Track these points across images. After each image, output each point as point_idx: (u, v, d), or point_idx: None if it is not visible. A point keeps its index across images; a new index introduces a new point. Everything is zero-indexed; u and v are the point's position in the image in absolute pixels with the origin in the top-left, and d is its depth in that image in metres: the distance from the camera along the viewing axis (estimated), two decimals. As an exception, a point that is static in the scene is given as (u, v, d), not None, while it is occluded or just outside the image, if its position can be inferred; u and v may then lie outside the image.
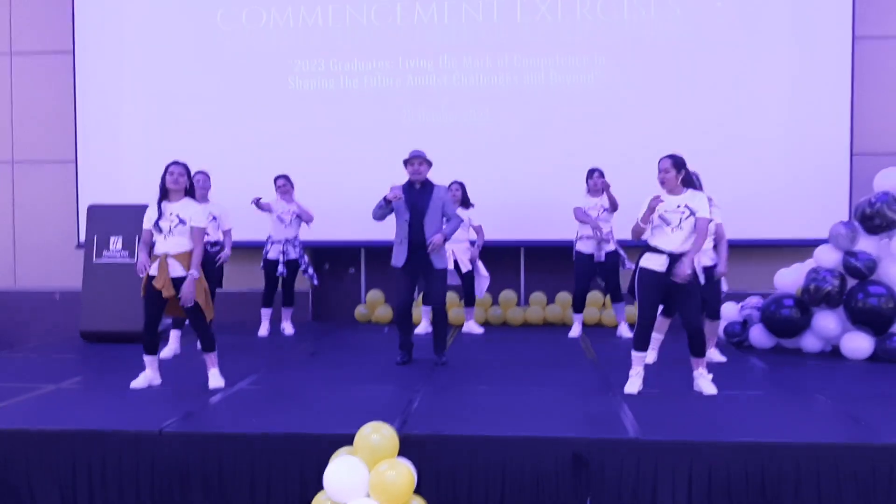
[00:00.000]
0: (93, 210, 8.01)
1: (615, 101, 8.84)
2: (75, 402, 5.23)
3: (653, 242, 5.26)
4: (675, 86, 8.78)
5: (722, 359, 6.50)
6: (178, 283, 5.38)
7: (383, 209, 6.29)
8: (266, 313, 8.14)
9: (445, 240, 6.32)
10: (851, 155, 8.67)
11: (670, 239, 5.20)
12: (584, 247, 7.78)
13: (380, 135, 8.96)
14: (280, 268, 7.88)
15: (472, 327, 8.26)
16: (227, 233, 7.19)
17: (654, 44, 8.80)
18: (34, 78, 9.73)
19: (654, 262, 5.23)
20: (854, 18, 8.61)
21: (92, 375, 6.14)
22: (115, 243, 7.79)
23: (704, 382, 5.35)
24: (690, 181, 5.36)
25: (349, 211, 8.65)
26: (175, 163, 5.50)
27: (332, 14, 9.15)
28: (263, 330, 8.11)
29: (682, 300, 5.27)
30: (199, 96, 9.24)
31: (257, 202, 7.78)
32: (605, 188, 7.58)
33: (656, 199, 5.15)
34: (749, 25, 8.72)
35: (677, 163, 5.25)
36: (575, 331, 7.99)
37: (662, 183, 5.26)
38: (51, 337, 8.30)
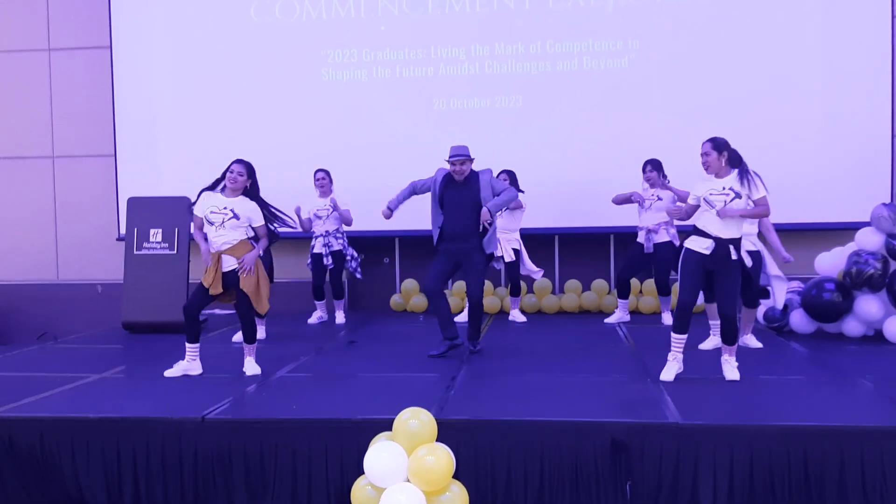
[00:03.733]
0: (133, 202, 8.11)
1: (649, 85, 8.75)
2: (119, 390, 5.32)
3: (700, 225, 5.24)
4: (711, 69, 8.66)
5: (758, 345, 6.42)
6: (228, 276, 5.49)
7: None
8: (320, 305, 8.32)
9: (494, 212, 6.18)
10: (893, 136, 8.50)
11: (715, 222, 5.16)
12: (640, 237, 7.66)
13: (413, 124, 9.00)
14: (326, 260, 7.93)
15: (517, 316, 8.26)
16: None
17: (689, 28, 8.69)
18: (72, 74, 9.86)
19: (698, 245, 5.20)
20: (894, -2, 8.43)
21: (135, 365, 6.23)
22: (155, 235, 7.89)
23: (728, 368, 5.27)
24: (739, 160, 5.25)
25: (383, 200, 8.65)
26: (237, 161, 5.59)
27: (365, 5, 9.18)
28: (314, 318, 8.31)
29: (722, 284, 5.22)
30: (234, 89, 9.32)
31: (297, 213, 7.84)
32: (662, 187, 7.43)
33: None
34: (785, 6, 8.56)
35: (718, 145, 5.19)
36: (615, 317, 7.95)
37: (706, 166, 5.23)
38: (94, 328, 8.44)
